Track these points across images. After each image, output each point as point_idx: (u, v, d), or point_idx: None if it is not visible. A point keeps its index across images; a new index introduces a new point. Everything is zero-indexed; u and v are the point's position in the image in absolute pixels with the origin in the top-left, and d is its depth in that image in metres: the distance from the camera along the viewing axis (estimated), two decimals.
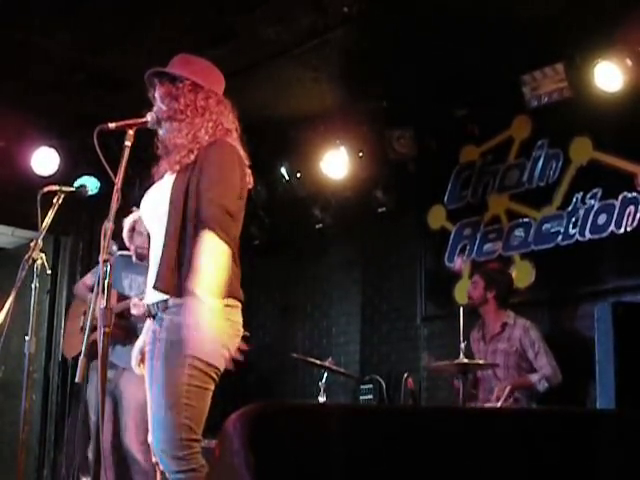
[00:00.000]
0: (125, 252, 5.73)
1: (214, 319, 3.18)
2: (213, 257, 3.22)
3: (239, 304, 3.42)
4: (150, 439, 3.33)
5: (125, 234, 5.69)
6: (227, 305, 3.32)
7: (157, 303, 3.36)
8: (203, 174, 3.36)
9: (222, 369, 3.35)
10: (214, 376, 3.32)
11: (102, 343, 3.07)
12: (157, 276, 3.31)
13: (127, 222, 5.66)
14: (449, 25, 5.91)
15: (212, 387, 3.33)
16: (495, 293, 6.10)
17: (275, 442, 2.42)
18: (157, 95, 3.56)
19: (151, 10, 5.73)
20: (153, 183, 3.57)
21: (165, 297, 3.33)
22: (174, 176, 3.43)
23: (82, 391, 6.05)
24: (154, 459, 3.39)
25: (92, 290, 5.53)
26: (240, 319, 3.42)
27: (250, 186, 3.58)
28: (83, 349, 3.21)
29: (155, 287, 3.30)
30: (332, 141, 7.27)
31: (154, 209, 3.47)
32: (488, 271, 6.28)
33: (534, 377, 5.83)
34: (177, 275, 3.28)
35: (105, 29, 5.98)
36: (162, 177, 3.53)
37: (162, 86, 3.56)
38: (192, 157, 3.42)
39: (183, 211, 3.33)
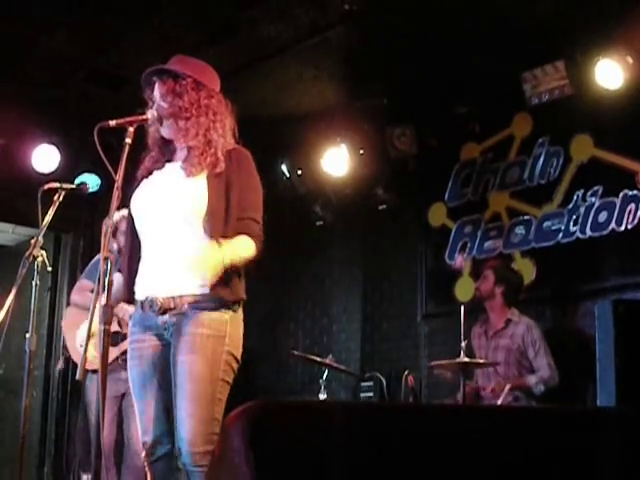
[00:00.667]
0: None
1: (241, 317, 3.41)
2: (246, 246, 3.41)
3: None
4: (153, 434, 3.36)
5: (107, 235, 5.67)
6: (239, 306, 3.45)
7: (180, 297, 3.37)
8: (244, 195, 3.50)
9: None
10: (236, 373, 3.43)
11: (102, 341, 3.07)
12: (211, 278, 3.29)
13: (109, 223, 5.64)
14: (450, 22, 5.91)
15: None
16: (503, 289, 6.11)
17: (275, 440, 2.42)
18: (157, 93, 3.55)
19: (151, 8, 5.73)
20: (142, 178, 3.58)
21: (194, 292, 3.35)
22: (201, 181, 3.43)
23: (83, 389, 6.04)
24: (151, 458, 3.40)
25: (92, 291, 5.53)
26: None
27: None
28: (84, 347, 3.21)
29: (211, 290, 3.32)
30: (333, 138, 7.27)
31: (162, 208, 3.46)
32: (500, 267, 6.27)
33: (531, 379, 5.82)
34: (228, 277, 3.34)
35: (106, 27, 5.98)
36: (153, 172, 3.56)
37: (164, 84, 3.54)
38: (223, 166, 3.46)
39: (225, 221, 3.40)
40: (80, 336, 5.76)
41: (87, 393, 5.61)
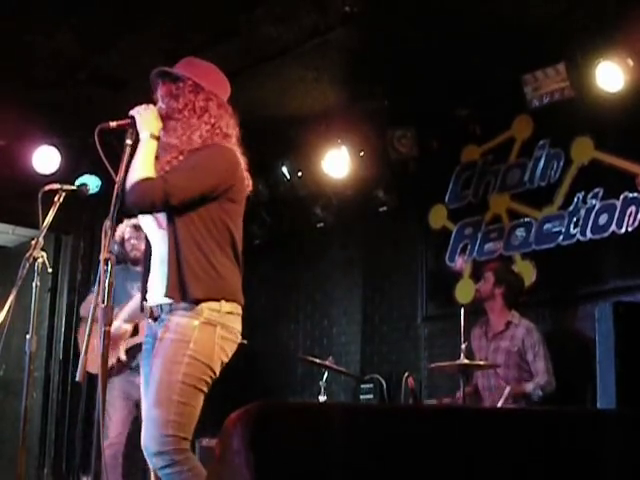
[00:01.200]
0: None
1: (217, 324, 3.35)
2: (143, 158, 3.39)
3: (240, 311, 3.49)
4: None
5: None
6: (229, 312, 3.41)
7: (161, 305, 3.42)
8: (180, 164, 3.43)
9: (217, 374, 3.41)
10: (208, 380, 3.38)
11: (103, 342, 3.08)
12: (168, 282, 3.35)
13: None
14: (450, 25, 5.91)
15: (205, 390, 3.38)
16: (503, 291, 6.11)
17: (275, 441, 2.42)
18: (159, 94, 3.57)
19: (153, 9, 5.73)
20: None
21: (163, 301, 3.40)
22: None
23: (82, 391, 6.05)
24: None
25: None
26: (239, 326, 3.49)
27: (249, 189, 3.63)
28: (84, 347, 3.21)
29: (167, 295, 3.35)
30: (333, 140, 7.27)
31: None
32: (500, 269, 6.28)
33: (529, 386, 5.81)
34: (182, 280, 3.35)
35: (107, 28, 5.98)
36: None
37: (164, 85, 3.58)
38: (181, 158, 3.45)
39: (179, 221, 3.37)
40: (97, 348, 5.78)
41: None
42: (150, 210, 3.41)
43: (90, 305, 5.81)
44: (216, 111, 3.55)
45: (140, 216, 3.57)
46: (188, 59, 3.67)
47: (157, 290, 3.44)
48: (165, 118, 3.51)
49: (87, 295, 6.13)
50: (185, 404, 3.29)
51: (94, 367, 6.09)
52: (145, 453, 3.28)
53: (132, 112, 3.43)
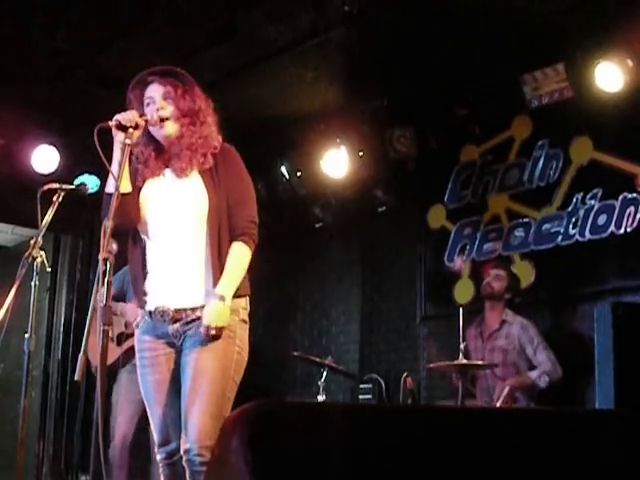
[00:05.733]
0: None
1: (247, 322, 3.52)
2: (244, 265, 3.49)
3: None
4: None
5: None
6: (244, 308, 3.52)
7: (192, 309, 3.44)
8: (234, 188, 3.54)
9: None
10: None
11: (102, 342, 3.08)
12: (212, 283, 3.43)
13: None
14: (450, 24, 5.90)
15: None
16: (511, 295, 6.16)
17: (274, 441, 2.42)
18: (160, 93, 3.54)
19: (151, 9, 5.73)
20: (139, 189, 3.57)
21: (203, 303, 3.42)
22: (195, 181, 3.50)
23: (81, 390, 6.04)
24: (170, 460, 3.43)
25: (117, 300, 5.55)
26: None
27: None
28: (82, 348, 3.21)
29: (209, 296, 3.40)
30: (332, 140, 7.27)
31: (171, 213, 3.51)
32: (509, 270, 6.30)
33: (533, 374, 5.82)
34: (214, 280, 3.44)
35: (105, 27, 5.98)
36: (158, 176, 3.56)
37: (170, 85, 3.55)
38: (211, 162, 3.53)
39: (219, 222, 3.47)
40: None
41: (112, 394, 5.65)
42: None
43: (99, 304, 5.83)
44: (208, 110, 3.63)
45: (175, 221, 3.55)
46: (167, 66, 3.65)
47: (190, 292, 3.46)
48: (176, 120, 3.52)
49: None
50: (230, 401, 3.39)
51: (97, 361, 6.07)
52: (191, 446, 3.28)
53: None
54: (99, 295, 3.12)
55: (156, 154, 3.59)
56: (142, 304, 3.55)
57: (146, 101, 3.56)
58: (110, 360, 5.60)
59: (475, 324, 6.25)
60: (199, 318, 3.40)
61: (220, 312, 3.34)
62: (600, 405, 4.46)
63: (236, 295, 3.43)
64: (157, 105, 3.52)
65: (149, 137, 3.57)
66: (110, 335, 5.83)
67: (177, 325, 3.45)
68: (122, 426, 5.54)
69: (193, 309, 3.44)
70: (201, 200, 3.47)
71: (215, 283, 3.40)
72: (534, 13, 5.74)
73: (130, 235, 3.62)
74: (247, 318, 3.52)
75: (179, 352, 3.47)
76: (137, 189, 3.54)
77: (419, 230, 7.50)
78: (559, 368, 5.81)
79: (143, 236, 3.59)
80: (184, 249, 3.48)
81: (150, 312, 3.51)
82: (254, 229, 3.54)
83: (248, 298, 3.55)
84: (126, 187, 3.43)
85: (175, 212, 3.49)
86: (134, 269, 3.60)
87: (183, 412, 3.34)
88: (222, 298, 3.35)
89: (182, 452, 3.32)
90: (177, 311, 3.45)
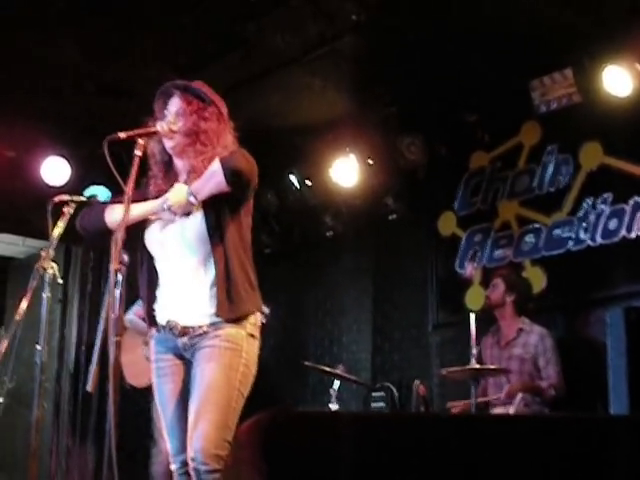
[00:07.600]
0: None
1: (256, 337, 3.53)
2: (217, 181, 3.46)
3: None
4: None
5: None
6: (252, 323, 3.54)
7: (200, 326, 3.47)
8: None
9: None
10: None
11: (113, 353, 3.09)
12: (218, 302, 3.45)
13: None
14: (458, 32, 5.91)
15: None
16: (514, 298, 6.13)
17: (287, 450, 2.42)
18: (175, 107, 3.56)
19: (161, 20, 5.75)
20: (153, 196, 3.60)
21: (211, 321, 3.46)
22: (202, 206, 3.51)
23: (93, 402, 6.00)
24: (183, 470, 3.44)
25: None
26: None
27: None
28: (95, 359, 3.21)
29: (217, 314, 3.44)
30: (342, 149, 7.27)
31: (181, 234, 3.53)
32: (509, 275, 6.28)
33: (543, 383, 5.84)
34: (231, 299, 3.46)
35: (114, 39, 6.00)
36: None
37: (187, 101, 3.57)
38: None
39: (227, 242, 3.48)
40: (139, 357, 5.78)
41: (152, 411, 5.68)
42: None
43: (133, 316, 5.82)
44: (227, 138, 3.62)
45: (156, 242, 3.59)
46: (201, 83, 3.67)
47: (196, 309, 3.49)
48: (185, 135, 3.53)
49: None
50: (236, 411, 3.40)
51: (136, 380, 6.06)
52: (196, 455, 3.29)
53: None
54: (110, 306, 3.13)
55: (166, 170, 3.62)
56: (151, 320, 3.60)
57: (164, 112, 3.58)
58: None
59: (491, 333, 6.25)
60: (206, 333, 3.45)
61: (177, 191, 3.45)
62: (614, 411, 4.44)
63: (243, 311, 3.47)
64: (168, 118, 3.54)
65: (164, 151, 3.60)
66: (146, 354, 5.87)
67: (185, 339, 3.50)
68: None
69: (200, 326, 3.48)
70: (207, 226, 3.50)
71: (221, 301, 3.44)
72: (541, 19, 5.73)
73: (139, 250, 3.66)
74: (256, 333, 3.53)
75: (189, 364, 3.52)
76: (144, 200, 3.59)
77: (430, 237, 7.48)
78: (565, 385, 5.85)
79: (152, 254, 3.63)
80: (192, 270, 3.53)
81: (162, 326, 3.57)
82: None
83: (259, 314, 3.56)
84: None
85: (182, 235, 3.52)
86: (143, 284, 3.66)
87: (189, 422, 3.38)
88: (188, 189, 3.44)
89: (188, 460, 3.35)
90: (185, 327, 3.50)
